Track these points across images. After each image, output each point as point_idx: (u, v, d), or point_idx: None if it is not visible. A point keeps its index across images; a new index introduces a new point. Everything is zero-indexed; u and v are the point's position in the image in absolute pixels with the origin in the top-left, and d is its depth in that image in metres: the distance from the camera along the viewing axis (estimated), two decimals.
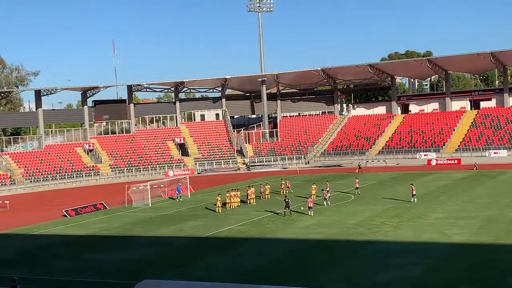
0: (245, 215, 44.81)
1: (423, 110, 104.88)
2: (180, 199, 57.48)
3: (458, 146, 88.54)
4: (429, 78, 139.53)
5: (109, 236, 40.51)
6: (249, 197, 51.06)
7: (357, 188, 54.71)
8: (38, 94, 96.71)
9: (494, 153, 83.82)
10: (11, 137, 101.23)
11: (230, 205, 49.23)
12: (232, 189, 52.01)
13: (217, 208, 47.73)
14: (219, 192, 53.14)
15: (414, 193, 46.71)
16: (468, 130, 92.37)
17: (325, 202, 47.22)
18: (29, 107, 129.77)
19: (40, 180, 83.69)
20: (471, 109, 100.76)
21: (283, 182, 58.61)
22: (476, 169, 71.94)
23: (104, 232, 41.91)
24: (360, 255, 30.25)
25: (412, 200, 46.21)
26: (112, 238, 39.73)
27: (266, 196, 53.68)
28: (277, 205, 47.73)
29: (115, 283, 25.03)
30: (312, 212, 43.07)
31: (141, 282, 20.41)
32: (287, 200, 43.84)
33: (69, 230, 43.76)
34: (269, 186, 55.88)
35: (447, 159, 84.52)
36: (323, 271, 27.24)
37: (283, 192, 56.33)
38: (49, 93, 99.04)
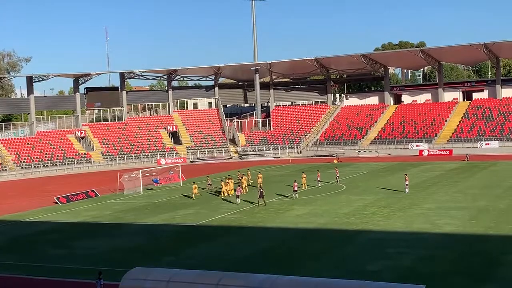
0: (237, 203, 44.83)
1: (416, 100, 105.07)
2: (158, 183, 57.66)
3: (450, 137, 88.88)
4: (422, 69, 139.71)
5: (100, 223, 40.49)
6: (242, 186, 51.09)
7: (337, 177, 54.93)
8: (30, 81, 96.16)
9: (486, 144, 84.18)
10: (2, 123, 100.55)
11: (226, 193, 49.12)
12: (226, 178, 52.00)
13: (193, 195, 48.86)
14: (194, 181, 53.84)
15: (407, 183, 46.86)
16: (460, 121, 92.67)
17: (294, 195, 46.31)
18: (21, 94, 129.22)
19: (31, 167, 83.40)
20: (463, 100, 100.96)
21: (259, 176, 55.37)
22: (467, 160, 72.26)
23: (96, 220, 41.88)
24: (351, 244, 30.39)
25: (405, 190, 46.32)
26: (103, 225, 39.72)
27: (259, 184, 53.02)
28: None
29: (106, 270, 25.02)
30: (296, 194, 45.78)
31: (132, 270, 20.44)
32: (261, 190, 44.33)
33: (60, 217, 43.71)
34: (261, 175, 55.59)
35: (439, 150, 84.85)
36: (314, 260, 27.36)
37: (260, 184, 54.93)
38: (41, 79, 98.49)
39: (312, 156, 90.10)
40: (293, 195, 45.67)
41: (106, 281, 22.57)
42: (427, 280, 21.68)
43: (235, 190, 47.76)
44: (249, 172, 58.52)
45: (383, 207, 40.50)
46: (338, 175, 55.19)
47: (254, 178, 56.85)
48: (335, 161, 78.58)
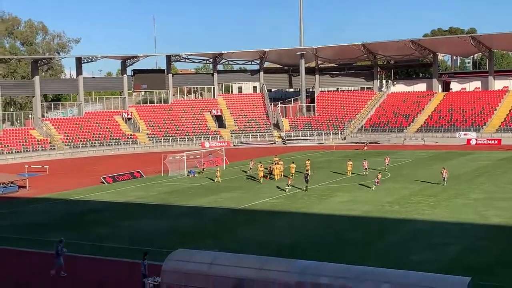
0: (280, 188, 44.78)
1: (465, 88, 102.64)
2: (194, 175, 55.24)
3: (499, 126, 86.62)
4: (472, 56, 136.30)
5: (145, 204, 41.10)
6: (290, 171, 50.54)
7: (387, 164, 54.21)
8: (79, 62, 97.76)
9: None
10: (52, 103, 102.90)
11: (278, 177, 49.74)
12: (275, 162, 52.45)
13: (261, 179, 49.06)
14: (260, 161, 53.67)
15: (444, 176, 44.34)
16: (510, 110, 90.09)
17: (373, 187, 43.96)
18: (70, 74, 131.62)
19: (79, 147, 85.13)
20: None
21: (307, 162, 52.50)
22: None
23: (141, 200, 42.52)
24: (394, 233, 30.02)
25: (443, 183, 43.95)
26: (148, 206, 40.30)
27: (306, 169, 51.61)
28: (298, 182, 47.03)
29: (149, 251, 25.32)
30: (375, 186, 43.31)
31: (176, 251, 20.62)
32: (306, 174, 44.95)
33: (107, 197, 44.54)
34: (309, 161, 53.45)
35: (487, 139, 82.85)
36: (356, 248, 27.13)
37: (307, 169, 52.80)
38: (89, 60, 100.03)
39: (357, 143, 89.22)
40: (374, 186, 43.46)
41: (149, 261, 22.86)
42: (473, 272, 21.20)
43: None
44: (276, 158, 55.41)
45: (428, 196, 39.81)
46: (387, 163, 54.36)
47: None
48: (365, 148, 79.10)
